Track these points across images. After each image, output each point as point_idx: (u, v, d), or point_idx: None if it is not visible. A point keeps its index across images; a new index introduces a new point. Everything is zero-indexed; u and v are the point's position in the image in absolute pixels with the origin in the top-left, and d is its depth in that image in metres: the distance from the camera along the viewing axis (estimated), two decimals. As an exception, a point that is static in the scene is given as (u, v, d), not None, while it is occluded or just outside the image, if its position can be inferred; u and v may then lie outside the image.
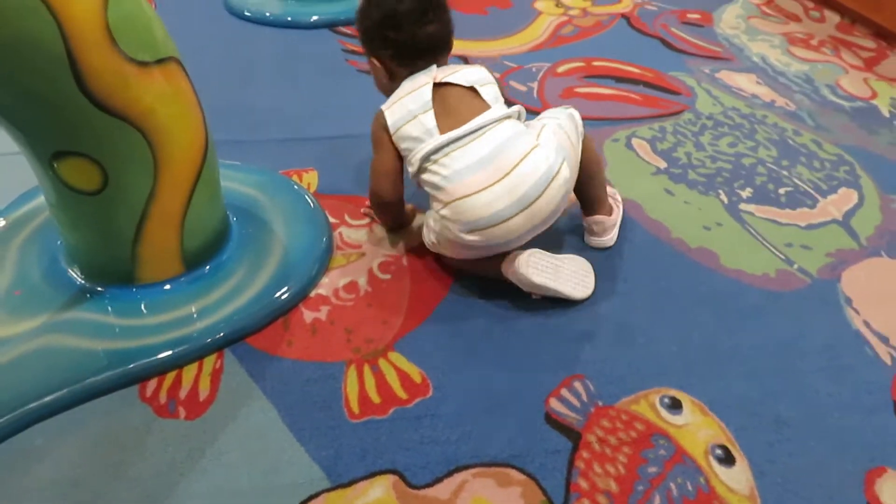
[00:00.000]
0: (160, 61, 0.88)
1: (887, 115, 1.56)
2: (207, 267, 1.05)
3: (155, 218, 0.94)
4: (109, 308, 0.98)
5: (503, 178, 0.96)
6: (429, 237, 1.06)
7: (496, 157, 0.97)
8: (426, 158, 1.00)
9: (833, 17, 2.04)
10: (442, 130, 1.01)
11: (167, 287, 1.01)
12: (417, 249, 1.14)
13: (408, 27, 1.05)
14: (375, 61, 1.10)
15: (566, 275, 1.03)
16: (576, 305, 1.04)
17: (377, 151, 1.08)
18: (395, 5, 1.05)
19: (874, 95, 1.64)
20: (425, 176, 1.01)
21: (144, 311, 0.99)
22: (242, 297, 1.01)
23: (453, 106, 1.03)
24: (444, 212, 0.99)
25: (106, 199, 0.90)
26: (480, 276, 1.07)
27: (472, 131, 1.00)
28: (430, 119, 1.02)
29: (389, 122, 1.04)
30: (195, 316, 0.98)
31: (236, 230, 1.11)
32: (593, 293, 1.06)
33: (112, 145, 0.86)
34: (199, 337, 0.95)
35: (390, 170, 1.06)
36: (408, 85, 1.07)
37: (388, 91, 1.11)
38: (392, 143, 1.05)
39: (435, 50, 1.08)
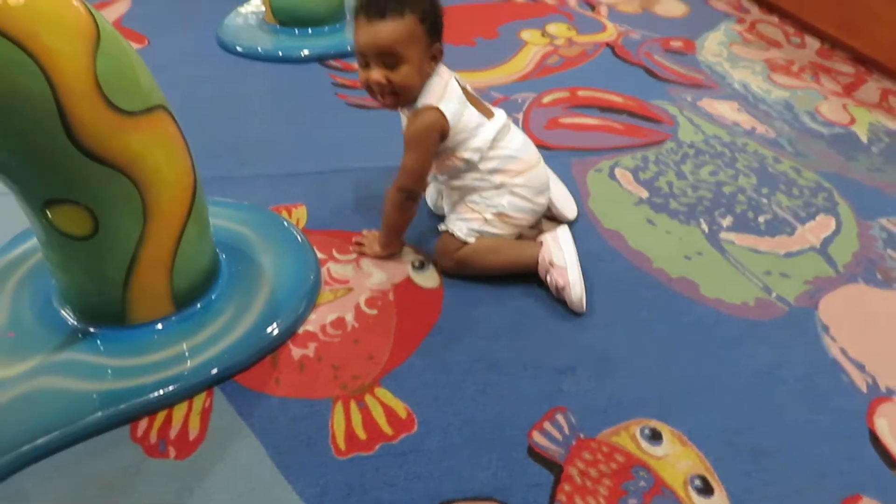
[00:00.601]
0: (148, 110, 0.90)
1: (865, 140, 1.60)
2: (198, 305, 1.07)
3: (145, 261, 0.96)
4: (101, 349, 1.00)
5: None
6: (475, 227, 1.14)
7: (528, 140, 1.20)
8: (494, 140, 1.12)
9: (813, 43, 2.08)
10: (485, 115, 1.14)
11: (158, 326, 1.03)
12: (403, 285, 1.16)
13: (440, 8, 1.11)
14: (438, 45, 1.10)
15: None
16: (558, 337, 1.06)
17: (422, 151, 1.11)
18: None
19: (852, 121, 1.67)
20: (493, 153, 1.13)
21: (136, 351, 1.00)
22: (232, 335, 1.03)
23: (474, 98, 1.16)
24: (518, 180, 1.14)
25: (97, 244, 0.93)
26: (497, 275, 1.15)
27: (505, 119, 1.16)
28: (473, 110, 1.13)
29: (448, 115, 1.09)
30: (186, 355, 1.00)
31: (226, 268, 1.14)
32: (580, 318, 1.09)
33: (102, 192, 0.89)
34: (190, 376, 0.97)
35: (428, 168, 1.14)
36: (440, 80, 1.11)
37: (422, 85, 1.10)
38: (436, 143, 1.10)
39: None
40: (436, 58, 1.10)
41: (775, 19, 2.24)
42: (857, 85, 1.85)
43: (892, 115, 1.71)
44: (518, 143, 1.16)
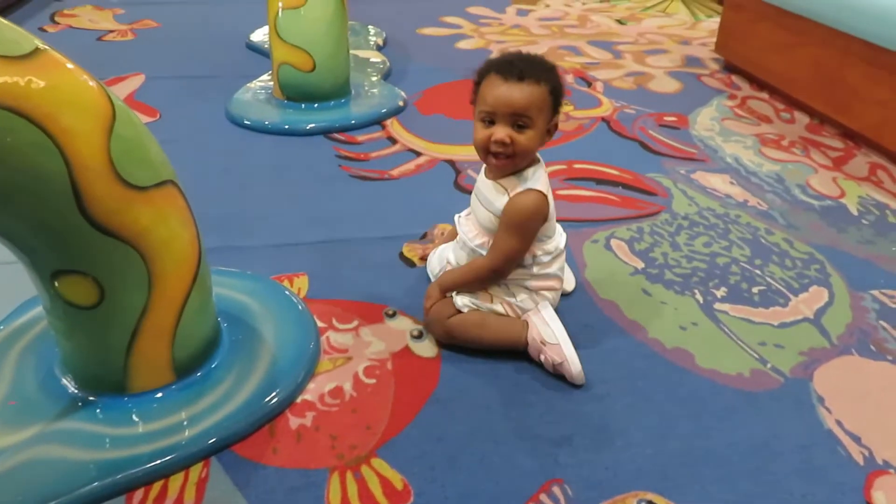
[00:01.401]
0: (158, 185, 0.94)
1: (855, 213, 1.63)
2: (198, 374, 1.08)
3: (147, 331, 0.98)
4: (100, 417, 1.01)
5: None
6: (477, 302, 1.17)
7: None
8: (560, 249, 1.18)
9: (802, 119, 2.15)
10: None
11: (158, 395, 1.05)
12: (402, 354, 1.18)
13: None
14: (555, 121, 1.12)
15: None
16: (555, 407, 1.07)
17: (525, 235, 1.12)
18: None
19: (842, 194, 1.72)
20: (549, 261, 1.17)
21: (135, 420, 1.01)
22: (231, 405, 1.04)
23: None
24: (548, 294, 1.19)
25: (101, 314, 0.95)
26: (493, 350, 1.16)
27: None
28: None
29: (551, 206, 1.13)
30: (185, 424, 1.01)
31: (227, 336, 1.15)
32: (577, 389, 1.09)
33: (109, 264, 0.92)
34: (188, 445, 0.98)
35: (525, 253, 1.15)
36: (544, 171, 1.15)
37: (532, 156, 1.13)
38: (538, 229, 1.13)
39: None
40: (551, 132, 1.12)
41: (766, 96, 2.32)
42: (846, 159, 1.90)
43: (880, 189, 1.75)
44: (565, 264, 1.24)
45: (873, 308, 1.31)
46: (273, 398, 1.05)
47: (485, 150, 1.11)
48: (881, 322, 1.28)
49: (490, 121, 1.09)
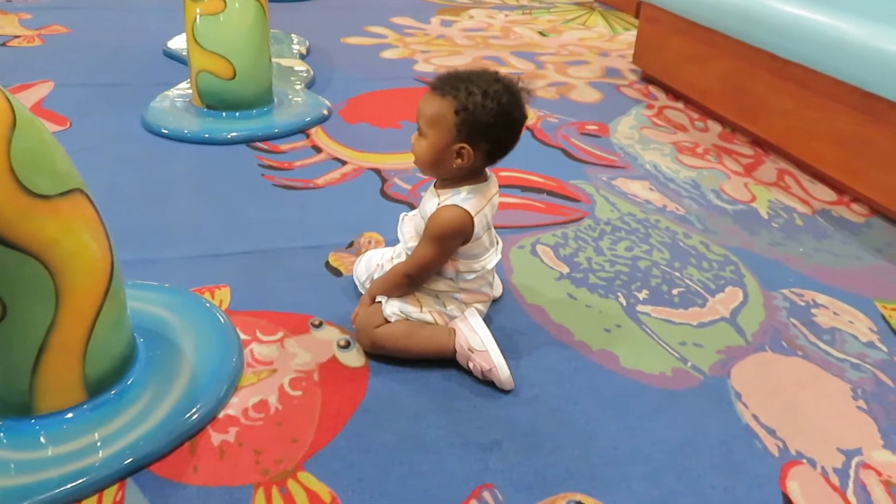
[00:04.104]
0: (64, 194, 0.89)
1: (766, 216, 1.71)
2: (112, 392, 1.03)
3: (55, 348, 0.92)
4: (5, 442, 0.95)
5: None
6: (407, 311, 1.16)
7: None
8: (488, 269, 1.18)
9: (715, 127, 2.25)
10: (493, 243, 1.19)
11: (68, 416, 0.99)
12: (329, 365, 1.15)
13: (515, 132, 1.10)
14: (469, 149, 1.07)
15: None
16: (484, 413, 1.07)
17: (442, 249, 1.11)
18: (513, 110, 1.07)
19: (753, 199, 1.80)
20: (478, 277, 1.17)
21: (43, 442, 0.95)
22: (148, 423, 0.99)
23: (492, 221, 1.18)
24: (478, 305, 1.20)
25: (3, 331, 0.89)
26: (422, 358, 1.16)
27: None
28: (492, 233, 1.18)
29: (477, 227, 1.10)
30: (98, 445, 0.96)
31: (143, 352, 1.10)
32: (505, 394, 1.09)
33: (11, 277, 0.86)
34: (101, 468, 0.93)
35: (441, 266, 1.15)
36: (483, 193, 1.12)
37: (441, 172, 1.12)
38: (457, 245, 1.12)
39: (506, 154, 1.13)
40: (461, 157, 1.07)
41: (681, 105, 2.41)
42: (756, 165, 1.99)
43: (788, 193, 1.84)
44: (496, 279, 1.27)
45: (784, 306, 1.38)
46: (193, 414, 1.01)
47: None
48: (791, 319, 1.34)
49: None
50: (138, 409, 1.01)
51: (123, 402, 1.02)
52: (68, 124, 1.98)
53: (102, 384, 1.01)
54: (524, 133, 2.09)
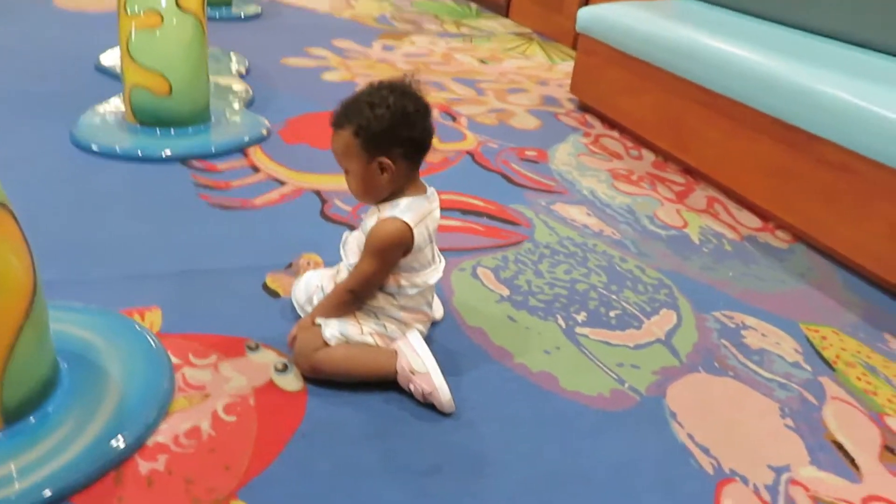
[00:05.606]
0: (-16, 208, 0.85)
1: (697, 242, 1.77)
2: (31, 419, 0.97)
3: (-32, 372, 0.87)
4: None
5: None
6: (347, 332, 1.14)
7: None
8: (430, 284, 1.17)
9: (649, 156, 2.32)
10: (434, 259, 1.18)
11: (-19, 445, 0.93)
12: (265, 389, 1.12)
13: (420, 123, 1.09)
14: (386, 160, 1.07)
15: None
16: (424, 438, 1.06)
17: (383, 262, 1.11)
18: (406, 105, 1.07)
19: (685, 225, 1.86)
20: (419, 294, 1.17)
21: (-49, 475, 0.89)
22: (70, 451, 0.94)
23: (434, 236, 1.17)
24: (418, 325, 1.19)
25: (-89, 354, 0.83)
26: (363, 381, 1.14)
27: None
28: (434, 248, 1.17)
29: (417, 238, 1.10)
30: (14, 476, 0.90)
31: (66, 377, 1.05)
32: (446, 417, 1.08)
33: (-78, 296, 0.81)
34: (18, 501, 0.87)
35: (383, 279, 1.14)
36: (423, 205, 1.12)
37: (379, 193, 1.12)
38: (398, 258, 1.11)
39: (429, 148, 1.13)
40: (385, 170, 1.08)
41: (616, 134, 2.48)
42: (687, 193, 2.06)
43: (717, 220, 1.91)
44: (433, 299, 1.25)
45: (715, 328, 1.42)
46: (119, 442, 0.96)
47: None
48: (722, 341, 1.38)
49: None
50: (59, 437, 0.96)
51: (43, 429, 0.96)
52: (-10, 138, 1.89)
53: (21, 411, 0.96)
54: (465, 158, 2.11)
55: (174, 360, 1.15)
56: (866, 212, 1.62)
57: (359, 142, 1.07)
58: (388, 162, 1.08)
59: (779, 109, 1.80)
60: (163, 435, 1.01)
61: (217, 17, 3.41)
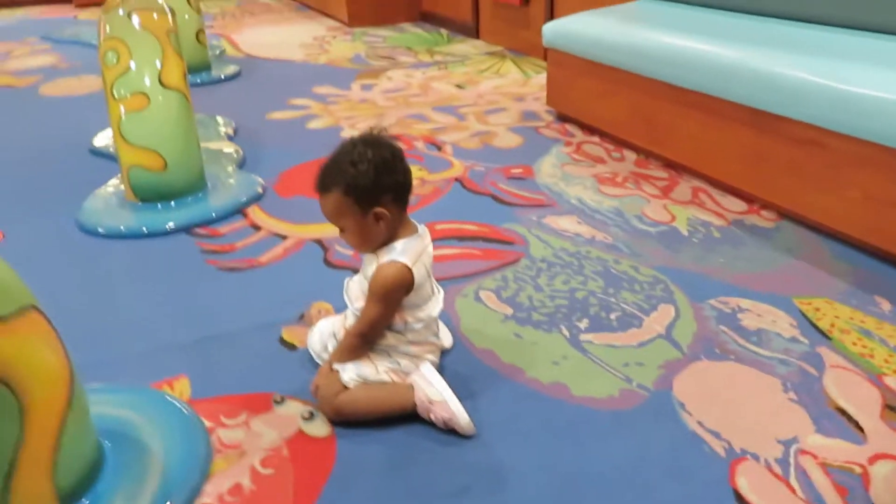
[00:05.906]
0: (18, 312, 0.92)
1: (686, 233, 1.84)
2: (85, 502, 1.04)
3: (25, 464, 0.94)
4: (-18, 567, 0.95)
5: None
6: (363, 373, 1.21)
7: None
8: (434, 316, 1.25)
9: (630, 156, 2.39)
10: (433, 291, 1.26)
11: (43, 531, 0.99)
12: (296, 438, 1.19)
13: (399, 167, 1.18)
14: (381, 210, 1.15)
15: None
16: (449, 462, 1.12)
17: (388, 305, 1.19)
18: (384, 154, 1.16)
19: (673, 219, 1.92)
20: (425, 327, 1.24)
21: (21, 562, 0.96)
22: (124, 525, 1.01)
23: (431, 270, 1.25)
24: (429, 356, 1.26)
25: (-28, 455, 0.91)
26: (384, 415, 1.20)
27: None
28: (432, 281, 1.25)
29: (416, 276, 1.17)
30: (77, 555, 0.97)
31: (111, 456, 1.12)
32: (468, 439, 1.15)
33: (-26, 402, 0.88)
34: (84, 577, 0.94)
35: (390, 320, 1.21)
36: (417, 244, 1.20)
37: (377, 242, 1.20)
38: (402, 298, 1.19)
39: (412, 186, 1.21)
40: (380, 219, 1.16)
41: (596, 139, 2.56)
42: (671, 187, 2.13)
43: (703, 209, 1.98)
44: (440, 328, 1.33)
45: (712, 315, 1.48)
46: (169, 510, 1.03)
47: None
48: (721, 326, 1.44)
49: None
50: (113, 514, 1.03)
51: (97, 508, 1.03)
52: (1, 237, 1.98)
53: (74, 494, 1.03)
54: (454, 185, 2.19)
55: (207, 423, 1.22)
56: (840, 181, 1.69)
57: (351, 199, 1.15)
58: (383, 210, 1.16)
59: (743, 96, 1.87)
60: (208, 496, 1.08)
61: (199, 81, 3.52)
